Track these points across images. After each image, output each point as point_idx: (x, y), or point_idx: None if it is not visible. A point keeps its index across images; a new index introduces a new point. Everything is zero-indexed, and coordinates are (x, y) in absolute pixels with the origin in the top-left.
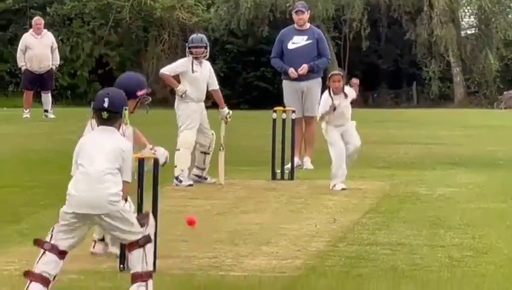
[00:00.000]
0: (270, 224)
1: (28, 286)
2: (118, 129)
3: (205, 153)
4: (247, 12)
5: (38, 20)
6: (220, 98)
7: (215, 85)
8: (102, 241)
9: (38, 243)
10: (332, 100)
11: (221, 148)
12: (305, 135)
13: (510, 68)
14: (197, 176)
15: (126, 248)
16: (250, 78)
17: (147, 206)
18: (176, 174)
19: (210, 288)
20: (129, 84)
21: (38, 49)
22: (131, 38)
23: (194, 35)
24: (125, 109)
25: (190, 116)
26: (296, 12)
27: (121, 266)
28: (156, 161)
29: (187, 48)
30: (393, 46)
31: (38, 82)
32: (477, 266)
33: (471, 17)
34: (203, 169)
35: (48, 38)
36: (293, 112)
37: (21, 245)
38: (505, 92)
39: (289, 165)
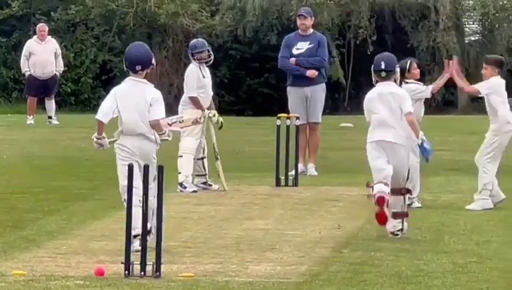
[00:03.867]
0: (275, 230)
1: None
2: (396, 83)
3: (202, 158)
4: (254, 19)
5: (42, 26)
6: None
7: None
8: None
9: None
10: None
11: (217, 157)
12: (309, 141)
13: None
14: (203, 183)
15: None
16: (254, 84)
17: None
18: (180, 181)
19: None
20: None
21: (42, 55)
22: None
23: (195, 41)
24: (397, 67)
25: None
26: (299, 16)
27: (126, 272)
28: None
29: (190, 55)
30: (398, 52)
31: (41, 88)
32: (481, 272)
33: (475, 23)
34: (205, 175)
35: (52, 44)
36: (297, 118)
37: (26, 251)
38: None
39: (293, 172)
